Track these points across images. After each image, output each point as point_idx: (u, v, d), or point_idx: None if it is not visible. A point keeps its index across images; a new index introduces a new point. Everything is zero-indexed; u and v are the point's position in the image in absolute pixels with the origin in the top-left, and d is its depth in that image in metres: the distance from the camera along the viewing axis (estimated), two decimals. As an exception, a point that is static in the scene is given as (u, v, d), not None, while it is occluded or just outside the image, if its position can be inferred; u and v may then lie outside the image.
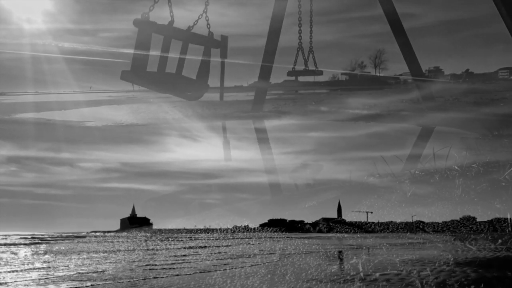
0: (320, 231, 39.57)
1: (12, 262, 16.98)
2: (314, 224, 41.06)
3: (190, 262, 15.87)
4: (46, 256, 19.74)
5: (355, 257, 14.62)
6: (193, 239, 33.71)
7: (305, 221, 42.55)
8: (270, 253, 18.32)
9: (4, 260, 18.09)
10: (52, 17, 41.21)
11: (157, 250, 22.46)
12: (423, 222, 33.60)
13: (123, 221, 43.21)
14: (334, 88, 53.41)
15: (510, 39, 14.70)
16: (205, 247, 23.70)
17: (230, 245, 25.05)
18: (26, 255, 20.01)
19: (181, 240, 32.30)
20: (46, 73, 36.94)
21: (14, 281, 11.86)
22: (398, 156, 20.27)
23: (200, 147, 24.99)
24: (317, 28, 26.59)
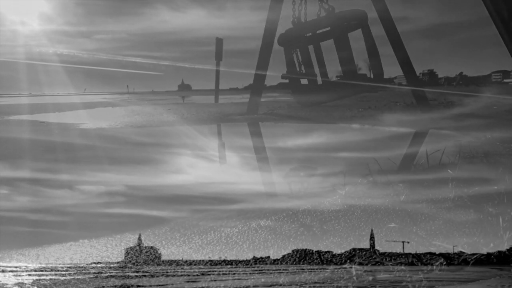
0: (358, 263, 35.21)
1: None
2: (345, 256, 36.65)
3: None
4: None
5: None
6: (239, 273, 26.45)
7: (334, 252, 37.28)
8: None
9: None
10: (48, 20, 41.15)
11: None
12: (466, 254, 31.19)
13: (128, 250, 39.57)
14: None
15: (502, 42, 14.81)
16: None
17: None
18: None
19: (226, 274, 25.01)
20: (40, 75, 36.87)
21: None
22: (437, 179, 19.34)
23: (215, 167, 23.59)
24: (311, 31, 26.58)
